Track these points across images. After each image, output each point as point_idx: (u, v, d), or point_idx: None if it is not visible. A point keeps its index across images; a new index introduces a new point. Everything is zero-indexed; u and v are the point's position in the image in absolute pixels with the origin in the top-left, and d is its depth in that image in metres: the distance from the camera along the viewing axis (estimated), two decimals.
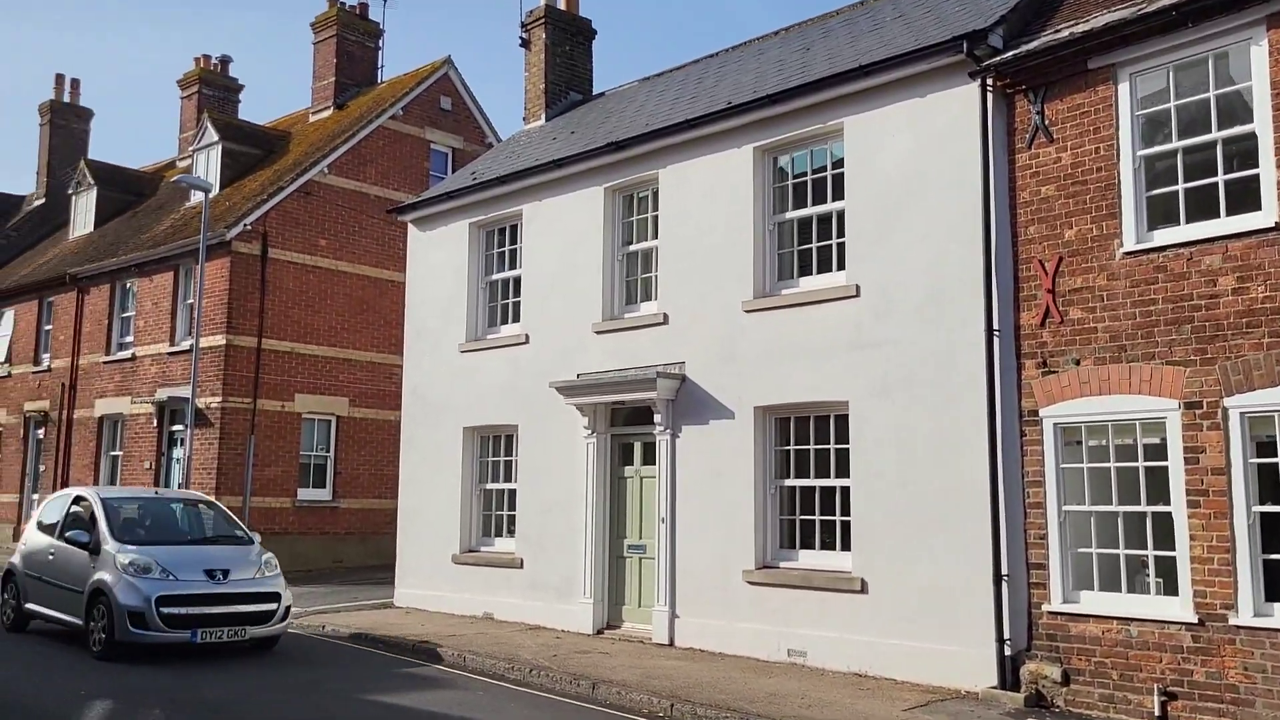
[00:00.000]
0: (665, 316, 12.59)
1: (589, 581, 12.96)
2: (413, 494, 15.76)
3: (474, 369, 15.03)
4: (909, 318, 10.32)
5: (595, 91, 18.19)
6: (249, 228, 20.28)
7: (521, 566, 13.91)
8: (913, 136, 10.50)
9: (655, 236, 13.13)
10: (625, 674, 10.11)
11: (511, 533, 14.50)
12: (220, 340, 19.96)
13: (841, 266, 11.16)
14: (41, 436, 24.37)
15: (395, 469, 22.12)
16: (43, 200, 30.89)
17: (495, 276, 15.29)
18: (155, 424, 21.14)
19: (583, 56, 18.32)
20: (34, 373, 24.84)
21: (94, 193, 27.24)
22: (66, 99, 31.43)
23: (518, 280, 14.83)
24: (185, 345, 20.92)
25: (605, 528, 13.06)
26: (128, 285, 22.93)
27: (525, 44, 18.10)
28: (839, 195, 11.26)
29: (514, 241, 15.06)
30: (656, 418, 12.39)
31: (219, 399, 19.79)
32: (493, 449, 15.03)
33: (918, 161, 10.44)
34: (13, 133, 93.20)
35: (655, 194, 13.18)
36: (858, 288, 10.76)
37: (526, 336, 14.32)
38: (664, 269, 12.79)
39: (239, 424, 19.93)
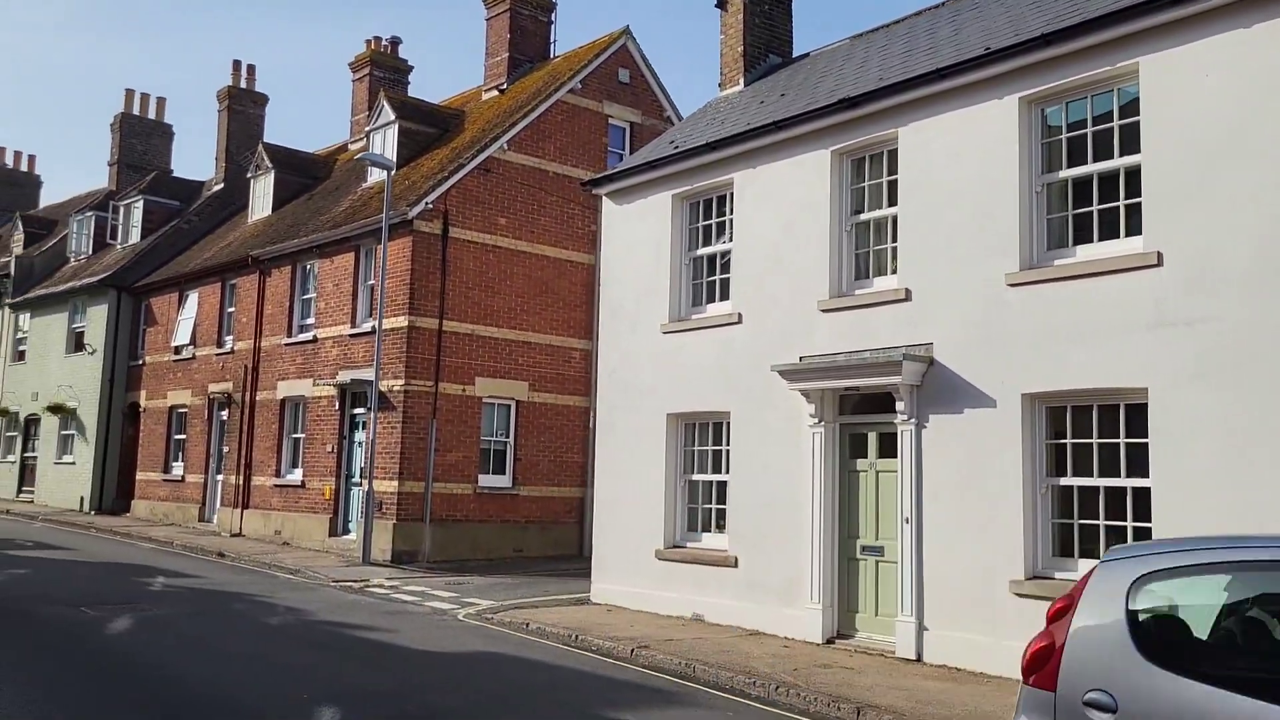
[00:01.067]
0: (907, 292, 11.28)
1: (817, 585, 11.79)
2: (610, 484, 14.89)
3: (678, 351, 14.03)
4: (1230, 290, 8.74)
5: (795, 54, 16.91)
6: (430, 206, 19.82)
7: (736, 565, 12.84)
8: (1235, 75, 8.89)
9: (892, 203, 11.82)
10: (888, 697, 8.91)
11: (721, 528, 13.45)
12: (403, 322, 19.57)
13: (1133, 232, 9.64)
14: (225, 418, 24.68)
15: (575, 456, 21.52)
16: (221, 185, 31.50)
17: (701, 251, 14.23)
18: (337, 407, 20.98)
19: (782, 17, 17.05)
20: (217, 354, 25.17)
21: (271, 176, 27.47)
22: (243, 85, 31.95)
23: (727, 255, 13.73)
24: (366, 327, 20.66)
25: (835, 527, 11.86)
26: (308, 267, 22.89)
27: (722, 4, 16.94)
28: (1129, 149, 9.73)
29: (723, 213, 13.96)
30: (899, 405, 11.10)
31: (402, 382, 19.41)
32: (699, 437, 14.00)
33: (1241, 106, 8.83)
34: (194, 121, 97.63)
35: (892, 155, 11.86)
36: (1160, 256, 9.23)
37: (739, 316, 13.21)
38: (904, 239, 11.47)
39: (421, 408, 19.52)
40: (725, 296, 13.72)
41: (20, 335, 33.20)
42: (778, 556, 12.29)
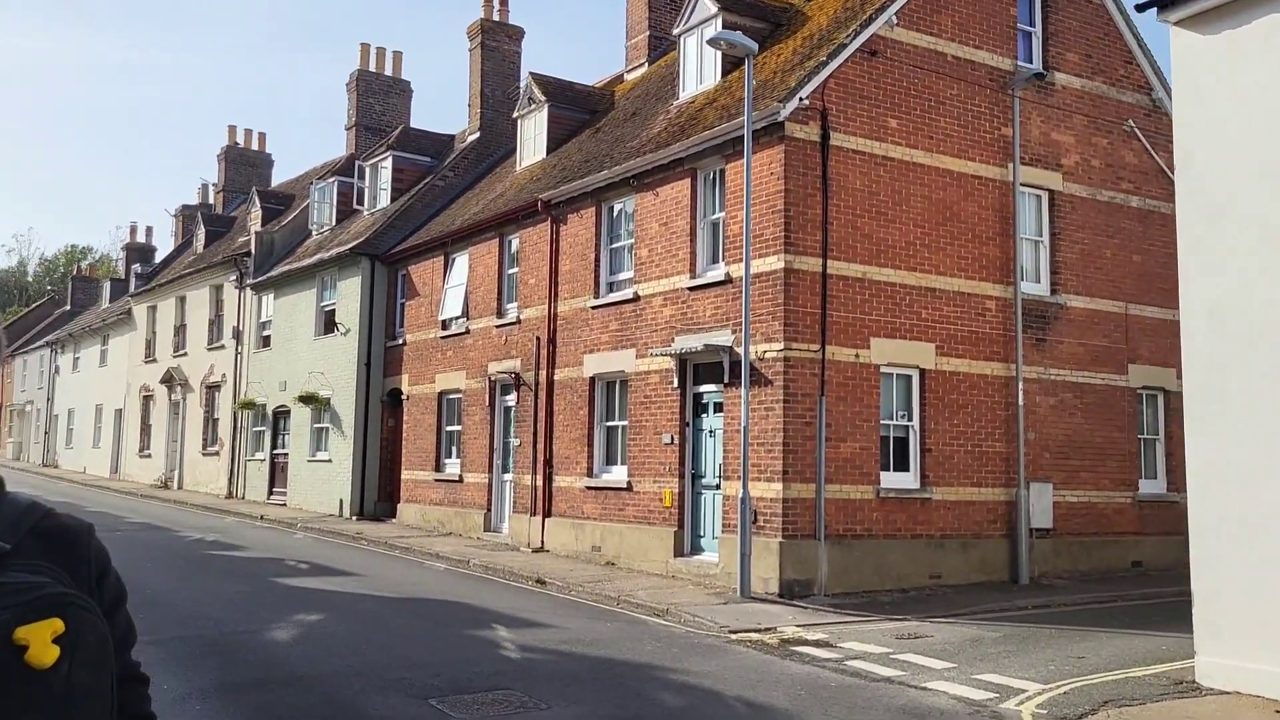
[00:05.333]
0: None
1: None
2: (1228, 491, 9.07)
3: None
4: None
5: None
6: (805, 102, 14.49)
7: None
8: None
9: None
10: None
11: None
12: (776, 263, 14.36)
13: None
14: (512, 404, 20.30)
15: (997, 444, 15.78)
16: (477, 134, 27.44)
17: None
18: (675, 384, 16.02)
19: None
20: (498, 326, 20.84)
21: (544, 112, 22.99)
22: (495, 17, 27.76)
23: None
24: (711, 276, 15.61)
25: None
26: (619, 206, 18.10)
27: None
28: None
29: None
30: None
31: (779, 345, 14.21)
32: None
33: None
34: (427, 77, 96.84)
35: None
36: None
37: None
38: None
39: (805, 381, 14.27)
40: None
41: (264, 319, 30.33)
42: None
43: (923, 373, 15.36)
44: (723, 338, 15.08)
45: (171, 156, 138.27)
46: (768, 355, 14.35)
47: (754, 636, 11.47)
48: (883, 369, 15.00)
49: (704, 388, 15.83)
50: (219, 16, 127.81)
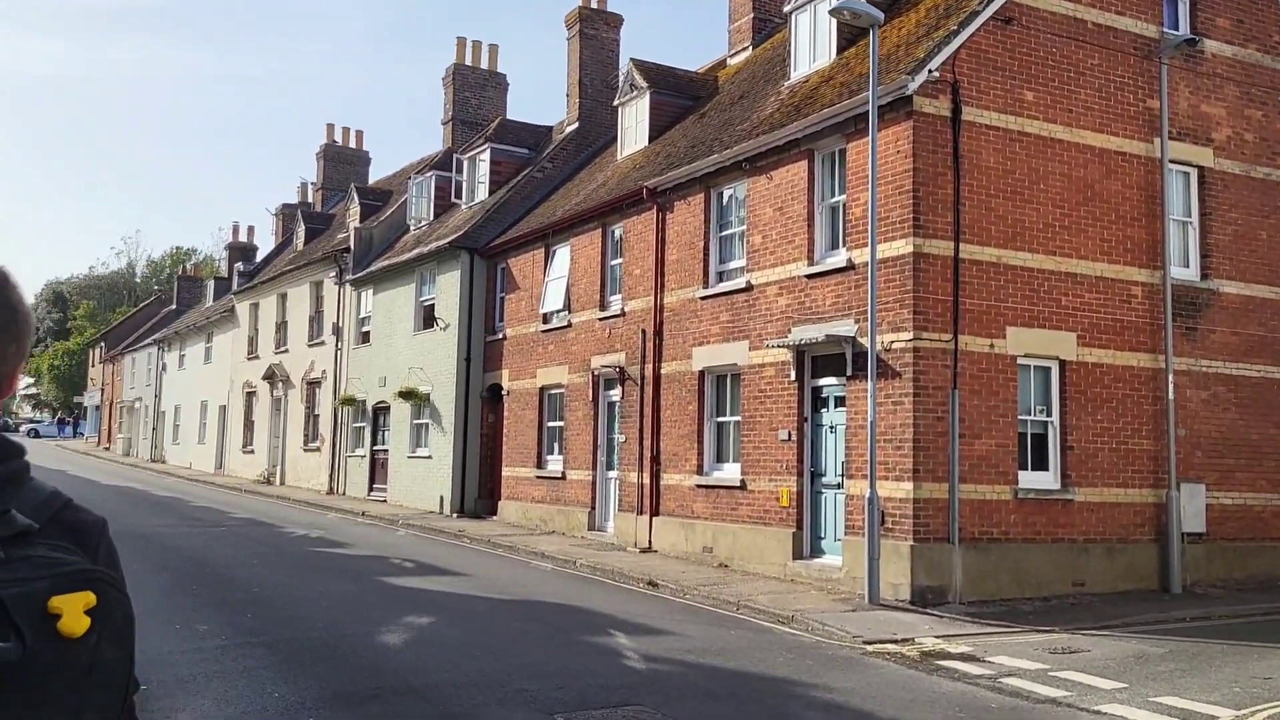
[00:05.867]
0: None
1: None
2: None
3: None
4: None
5: None
6: (935, 75, 13.53)
7: None
8: None
9: None
10: None
11: None
12: (904, 248, 13.43)
13: None
14: (617, 399, 19.68)
15: (1144, 442, 14.60)
16: (575, 125, 26.91)
17: None
18: (792, 376, 15.19)
19: None
20: (601, 319, 20.25)
21: (646, 99, 22.33)
22: (594, 4, 27.19)
23: None
24: (832, 262, 14.74)
25: None
26: (729, 192, 17.34)
27: None
28: None
29: None
30: None
31: (908, 335, 13.29)
32: None
33: None
34: (527, 66, 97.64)
35: None
36: None
37: None
38: None
39: (936, 373, 13.32)
40: None
41: (363, 315, 30.30)
42: None
43: (1063, 364, 14.27)
44: (845, 327, 14.21)
45: (271, 158, 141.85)
46: (895, 346, 13.44)
47: (891, 648, 10.63)
48: (1019, 360, 13.96)
49: (823, 381, 14.97)
50: (312, 25, 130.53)
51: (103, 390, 66.35)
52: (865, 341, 13.64)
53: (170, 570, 14.36)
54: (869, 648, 10.66)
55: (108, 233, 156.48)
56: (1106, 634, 11.58)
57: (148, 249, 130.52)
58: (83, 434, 76.73)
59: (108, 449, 60.26)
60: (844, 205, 14.78)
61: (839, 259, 14.63)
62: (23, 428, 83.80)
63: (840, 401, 14.60)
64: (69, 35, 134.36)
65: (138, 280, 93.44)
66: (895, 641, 10.92)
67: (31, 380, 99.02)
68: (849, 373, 14.12)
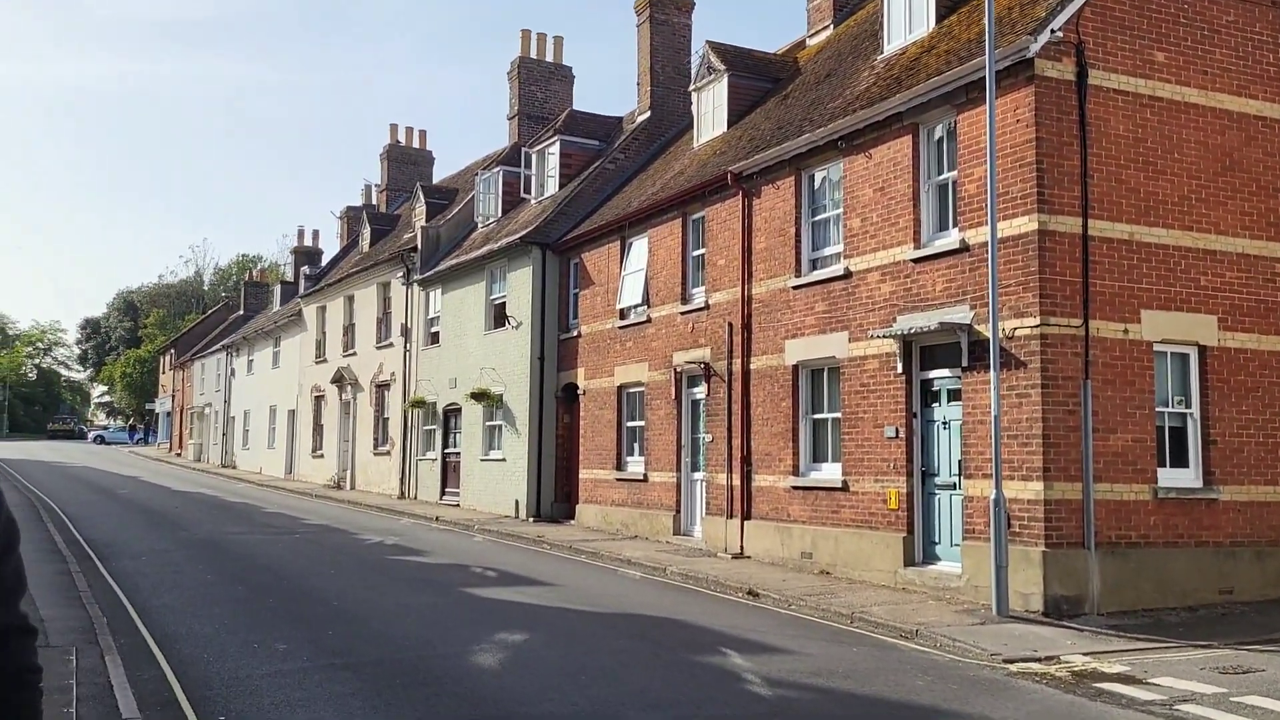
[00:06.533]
0: None
1: None
2: None
3: None
4: None
5: None
6: (1058, 35, 12.35)
7: None
8: None
9: None
10: None
11: None
12: (1027, 225, 12.28)
13: None
14: (702, 397, 18.71)
15: None
16: (647, 114, 25.98)
17: None
18: (899, 369, 14.09)
19: None
20: (683, 313, 19.28)
21: (724, 82, 21.32)
22: None
23: None
24: (942, 244, 13.61)
25: None
26: (823, 173, 16.27)
27: None
28: None
29: None
30: None
31: (1033, 321, 12.14)
32: None
33: None
34: (592, 58, 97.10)
35: None
36: None
37: None
38: None
39: (1065, 361, 12.15)
40: None
41: (432, 315, 29.69)
42: None
43: (1202, 350, 13.00)
44: (959, 314, 13.08)
45: (333, 163, 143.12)
46: (1019, 333, 12.29)
47: (1036, 668, 9.54)
48: (1155, 346, 12.71)
49: (934, 373, 13.85)
50: (369, 30, 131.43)
51: (173, 396, 66.97)
52: (983, 329, 12.54)
53: (245, 582, 13.73)
54: (1012, 667, 9.58)
55: (176, 242, 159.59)
56: (1275, 649, 10.34)
57: (215, 257, 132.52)
58: (155, 440, 77.67)
59: (179, 455, 60.72)
60: (954, 182, 13.65)
61: (950, 240, 13.50)
62: (90, 434, 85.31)
63: (954, 395, 13.47)
64: (118, 48, 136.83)
65: (205, 288, 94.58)
66: (1039, 660, 9.82)
67: (105, 388, 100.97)
68: (964, 363, 12.99)
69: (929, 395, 13.97)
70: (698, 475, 18.86)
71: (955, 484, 13.34)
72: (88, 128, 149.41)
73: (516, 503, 23.86)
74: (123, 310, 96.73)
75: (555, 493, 23.66)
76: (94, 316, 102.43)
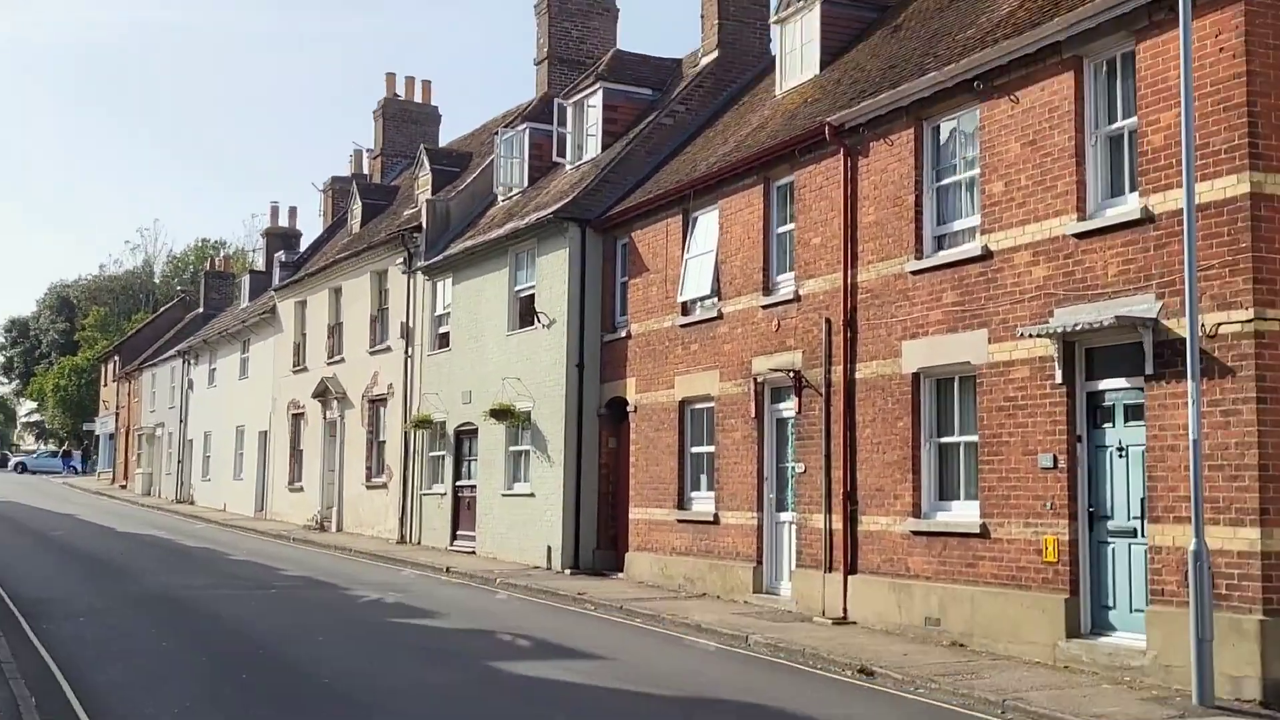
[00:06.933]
0: None
1: None
2: None
3: None
4: None
5: None
6: None
7: None
8: None
9: None
10: None
11: None
12: (1236, 187, 11.69)
13: None
14: (789, 414, 18.23)
15: None
16: (714, 54, 25.68)
17: None
18: (1057, 379, 13.50)
19: None
20: (765, 307, 18.84)
21: (816, 11, 21.02)
22: None
23: None
24: (1116, 214, 13.05)
25: None
26: (951, 123, 15.76)
27: None
28: None
29: None
30: None
31: (1244, 315, 11.56)
32: None
33: None
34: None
35: None
36: None
37: None
38: None
39: None
40: None
41: (440, 311, 29.59)
42: None
43: None
44: (1141, 306, 12.48)
45: (315, 127, 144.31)
46: (1224, 330, 11.70)
47: None
48: None
49: (1105, 383, 13.26)
50: None
51: (117, 415, 67.68)
52: (1175, 325, 11.96)
53: (210, 650, 13.69)
54: None
55: (120, 225, 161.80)
56: None
57: (168, 242, 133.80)
58: (94, 469, 78.58)
59: (124, 487, 61.33)
60: (1132, 132, 13.07)
61: (1127, 208, 12.92)
62: (11, 461, 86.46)
63: (1134, 412, 12.87)
64: None
65: (157, 280, 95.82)
66: None
67: (35, 405, 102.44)
68: (1149, 370, 12.40)
69: (1099, 413, 13.41)
70: (785, 516, 18.45)
71: (1136, 530, 12.76)
72: (15, 79, 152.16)
73: (549, 550, 23.57)
74: (56, 309, 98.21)
75: (598, 538, 23.41)
76: (21, 316, 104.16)
